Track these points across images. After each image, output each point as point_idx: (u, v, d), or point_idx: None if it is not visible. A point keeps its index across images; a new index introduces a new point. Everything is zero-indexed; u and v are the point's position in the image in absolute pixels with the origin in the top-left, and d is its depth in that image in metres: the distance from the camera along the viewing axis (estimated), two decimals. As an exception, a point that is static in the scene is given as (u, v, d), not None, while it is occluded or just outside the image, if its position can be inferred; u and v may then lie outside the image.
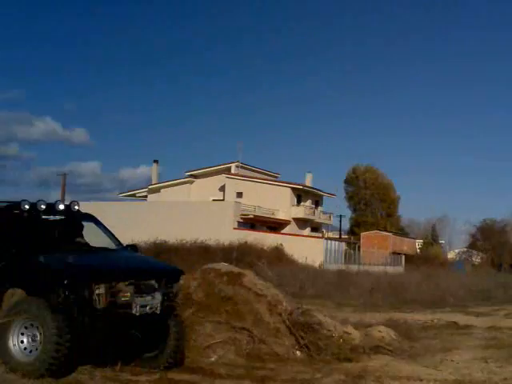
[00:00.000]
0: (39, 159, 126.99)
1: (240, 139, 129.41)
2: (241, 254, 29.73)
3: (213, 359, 9.36)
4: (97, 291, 7.70)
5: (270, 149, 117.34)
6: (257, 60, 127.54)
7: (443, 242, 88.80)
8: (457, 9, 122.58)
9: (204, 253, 32.31)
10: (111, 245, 9.98)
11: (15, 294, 8.18)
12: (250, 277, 11.45)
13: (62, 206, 9.60)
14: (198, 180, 62.52)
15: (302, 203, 62.12)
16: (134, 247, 10.26)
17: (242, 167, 61.49)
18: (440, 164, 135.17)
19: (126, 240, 32.68)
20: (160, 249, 33.18)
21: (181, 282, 9.10)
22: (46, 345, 7.42)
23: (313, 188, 65.50)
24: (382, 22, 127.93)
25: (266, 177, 63.21)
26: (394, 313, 16.71)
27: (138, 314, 7.91)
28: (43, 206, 9.31)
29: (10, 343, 7.78)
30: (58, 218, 9.62)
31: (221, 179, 60.14)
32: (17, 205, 9.20)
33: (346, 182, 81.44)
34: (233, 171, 61.13)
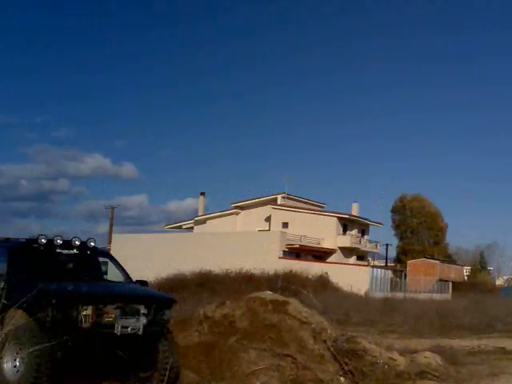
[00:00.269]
0: (88, 193, 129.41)
1: (286, 170, 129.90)
2: (286, 283, 29.68)
3: (256, 386, 9.41)
4: (84, 312, 8.60)
5: (315, 179, 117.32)
6: (300, 99, 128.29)
7: (492, 268, 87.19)
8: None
9: (249, 282, 32.35)
10: (121, 278, 11.00)
11: (16, 315, 8.85)
12: (294, 305, 11.48)
13: (77, 242, 10.64)
14: (244, 211, 62.78)
15: (348, 232, 61.83)
16: (143, 282, 11.06)
17: (288, 198, 61.62)
18: (488, 190, 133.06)
19: (171, 271, 32.88)
20: (205, 279, 33.35)
21: (172, 309, 9.82)
22: (26, 373, 8.22)
23: (359, 217, 65.19)
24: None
25: (311, 207, 63.19)
26: (441, 339, 16.48)
27: (119, 334, 8.64)
28: (59, 241, 10.46)
29: (4, 362, 8.59)
30: (72, 252, 10.66)
31: (267, 210, 60.30)
32: (35, 239, 10.44)
33: (393, 210, 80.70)
34: (279, 202, 61.28)
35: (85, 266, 10.93)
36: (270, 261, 44.42)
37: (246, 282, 32.04)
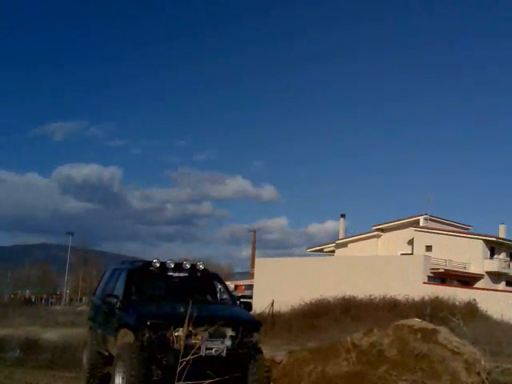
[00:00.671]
0: (231, 216, 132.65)
1: (427, 192, 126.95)
2: (432, 310, 28.81)
3: (408, 419, 9.12)
4: (175, 333, 9.66)
5: (460, 201, 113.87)
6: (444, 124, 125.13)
7: None
8: None
9: (393, 308, 31.67)
10: (227, 299, 12.31)
11: (126, 334, 10.23)
12: (444, 333, 11.09)
13: (188, 265, 11.89)
14: (386, 234, 61.73)
15: (495, 256, 59.14)
16: (247, 304, 12.52)
17: (430, 220, 59.95)
18: None
19: (314, 295, 32.87)
20: (349, 304, 33.02)
21: (259, 332, 10.53)
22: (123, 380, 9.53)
23: (507, 240, 62.24)
24: None
25: (456, 229, 61.08)
26: None
27: (203, 355, 9.34)
28: (172, 265, 11.69)
29: (116, 377, 9.85)
30: (182, 275, 11.80)
31: (409, 233, 58.95)
32: (150, 262, 11.76)
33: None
34: (421, 224, 59.74)
35: (194, 288, 11.86)
36: (414, 286, 43.32)
37: (391, 308, 31.39)
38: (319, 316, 30.63)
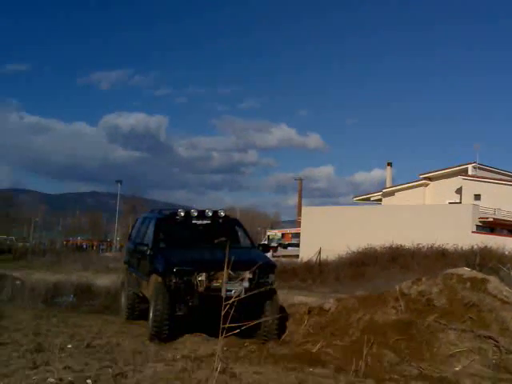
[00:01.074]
0: (276, 165, 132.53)
1: (475, 140, 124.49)
2: (481, 259, 28.51)
3: (457, 369, 9.08)
4: (199, 278, 11.04)
5: (510, 149, 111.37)
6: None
7: None
8: None
9: (441, 257, 31.43)
10: (246, 242, 13.38)
11: (156, 278, 11.48)
12: (494, 283, 10.99)
13: (210, 213, 13.09)
14: (433, 182, 60.98)
15: (545, 204, 58.00)
16: (264, 246, 14.28)
17: (479, 168, 58.90)
18: None
19: (361, 244, 32.81)
20: (396, 253, 32.87)
21: (274, 274, 11.68)
22: (153, 322, 10.99)
23: (558, 188, 60.86)
24: None
25: (505, 177, 59.94)
26: None
27: (224, 296, 9.46)
28: (195, 213, 13.06)
29: (149, 314, 11.38)
30: (205, 222, 13.08)
31: (457, 181, 58.08)
32: (176, 212, 13.14)
33: None
34: (470, 173, 58.73)
35: (216, 233, 13.05)
36: (462, 235, 42.84)
37: (439, 257, 31.15)
38: (366, 264, 30.62)
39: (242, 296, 9.70)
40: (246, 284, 10.80)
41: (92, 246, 78.72)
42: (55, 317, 13.33)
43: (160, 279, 11.35)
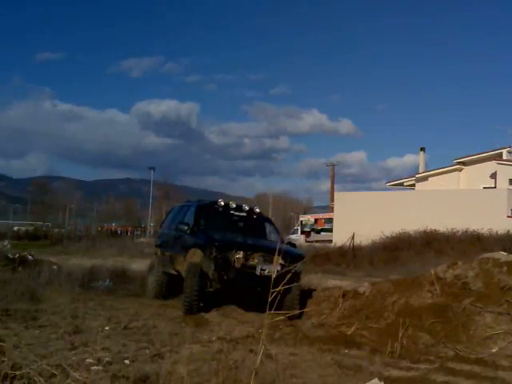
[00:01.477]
0: (308, 151, 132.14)
1: (510, 125, 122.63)
2: (517, 244, 28.20)
3: (494, 350, 9.04)
4: (236, 255, 12.29)
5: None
6: None
7: None
8: None
9: (476, 242, 31.17)
10: (274, 238, 14.55)
11: (195, 253, 12.93)
12: (531, 267, 10.89)
13: (246, 207, 14.70)
14: (467, 167, 60.27)
15: None
16: (292, 244, 14.87)
17: (514, 152, 58.09)
18: None
19: (395, 229, 32.49)
20: (430, 238, 32.63)
21: (302, 262, 12.83)
22: (189, 290, 12.19)
23: None
24: None
25: (541, 161, 59.06)
26: None
27: (258, 274, 11.98)
28: (234, 205, 14.45)
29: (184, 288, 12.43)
30: (241, 214, 14.54)
31: (491, 166, 57.26)
32: (216, 202, 14.65)
33: None
34: (504, 157, 57.94)
35: (250, 226, 14.57)
36: (497, 220, 42.34)
37: (474, 242, 30.88)
38: (400, 249, 30.47)
39: (273, 276, 11.07)
40: (278, 267, 11.42)
41: (126, 232, 79.52)
42: (92, 300, 13.51)
43: (198, 253, 12.74)
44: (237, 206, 14.54)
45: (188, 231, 13.77)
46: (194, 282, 12.25)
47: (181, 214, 15.49)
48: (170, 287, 14.74)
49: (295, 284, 11.55)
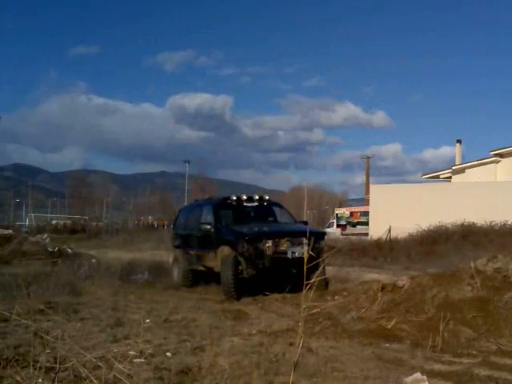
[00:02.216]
0: (342, 143, 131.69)
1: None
2: (557, 237, 27.73)
3: (538, 344, 8.93)
4: (266, 244, 13.60)
5: None
6: None
7: None
8: None
9: (515, 235, 30.68)
10: (288, 220, 16.13)
11: (222, 249, 14.20)
12: None
13: (257, 197, 16.14)
14: (504, 159, 59.39)
15: None
16: (304, 222, 17.39)
17: (551, 144, 57.03)
18: None
19: (432, 222, 32.24)
20: (468, 231, 32.26)
21: (325, 240, 15.18)
22: (226, 283, 13.61)
23: None
24: None
25: None
26: None
27: (290, 257, 13.35)
28: (245, 197, 15.92)
29: (222, 276, 13.85)
30: (253, 204, 15.93)
31: (529, 158, 56.48)
32: (228, 197, 16.03)
33: None
34: (543, 149, 57.04)
35: (262, 214, 16.02)
36: (536, 212, 41.79)
37: (513, 234, 30.44)
38: (437, 242, 30.15)
39: (303, 257, 12.11)
40: (305, 248, 12.94)
41: (163, 225, 79.98)
42: (132, 293, 13.68)
43: (228, 249, 13.99)
44: (248, 197, 16.05)
45: (212, 230, 14.91)
46: (229, 272, 13.53)
47: (195, 214, 16.80)
48: (196, 279, 16.23)
49: (321, 259, 12.59)
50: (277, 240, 13.70)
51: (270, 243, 13.62)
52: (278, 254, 13.52)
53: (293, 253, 13.37)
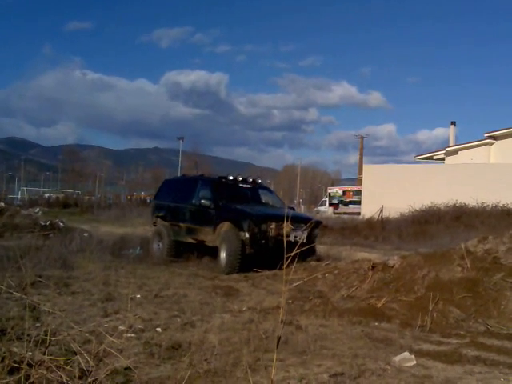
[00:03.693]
0: (337, 123, 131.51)
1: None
2: (548, 219, 27.86)
3: (525, 326, 9.01)
4: (270, 226, 14.54)
5: None
6: None
7: None
8: None
9: (506, 217, 30.83)
10: (278, 204, 17.11)
11: (224, 226, 15.03)
12: None
13: (250, 179, 17.12)
14: (498, 142, 59.41)
15: None
16: (292, 208, 20.41)
17: (547, 127, 57.09)
18: None
19: (424, 202, 32.38)
20: (460, 212, 32.38)
21: (319, 228, 16.14)
22: (228, 258, 14.45)
23: None
24: None
25: None
26: None
27: (292, 241, 13.77)
28: (240, 178, 16.81)
29: (221, 252, 14.80)
30: (248, 186, 16.92)
31: (523, 140, 56.51)
32: (225, 177, 16.73)
33: None
34: (536, 131, 57.07)
35: (257, 196, 16.97)
36: (528, 195, 41.94)
37: (504, 216, 30.55)
38: (429, 223, 30.29)
39: (304, 242, 13.42)
40: (305, 233, 14.32)
41: (155, 201, 79.63)
42: (123, 268, 13.64)
43: (229, 225, 14.84)
44: (243, 178, 16.97)
45: (212, 206, 15.66)
46: (235, 247, 14.32)
47: (187, 188, 17.33)
48: (179, 251, 16.96)
49: (314, 244, 14.56)
50: (280, 223, 14.58)
51: (273, 225, 14.56)
52: (281, 236, 14.42)
53: (295, 237, 14.03)
